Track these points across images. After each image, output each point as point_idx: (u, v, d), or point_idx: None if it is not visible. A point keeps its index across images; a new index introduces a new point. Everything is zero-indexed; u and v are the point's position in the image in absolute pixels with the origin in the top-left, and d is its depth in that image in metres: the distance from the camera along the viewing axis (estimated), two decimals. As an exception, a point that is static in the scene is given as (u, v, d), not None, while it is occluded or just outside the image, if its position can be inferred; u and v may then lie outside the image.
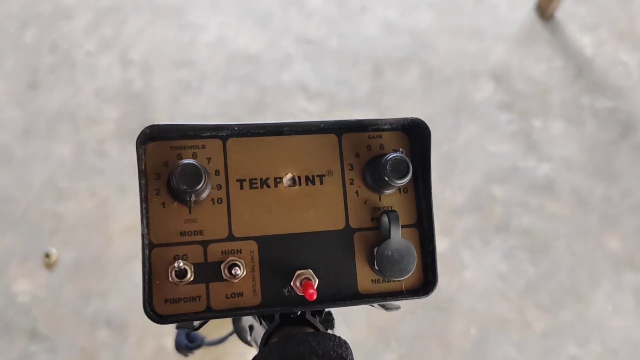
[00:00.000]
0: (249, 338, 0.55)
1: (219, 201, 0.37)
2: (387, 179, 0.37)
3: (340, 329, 0.48)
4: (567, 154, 1.49)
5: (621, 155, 1.50)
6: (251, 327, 0.51)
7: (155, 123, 0.36)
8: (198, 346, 1.06)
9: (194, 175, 0.34)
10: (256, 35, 1.62)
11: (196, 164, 0.34)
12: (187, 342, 1.03)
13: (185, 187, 0.34)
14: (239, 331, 0.65)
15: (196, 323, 0.41)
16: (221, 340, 0.98)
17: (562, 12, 1.65)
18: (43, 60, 1.53)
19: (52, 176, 1.40)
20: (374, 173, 0.38)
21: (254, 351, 0.44)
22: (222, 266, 0.36)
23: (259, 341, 0.43)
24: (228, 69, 1.57)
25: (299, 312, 0.40)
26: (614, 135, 1.52)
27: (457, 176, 1.45)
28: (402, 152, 0.37)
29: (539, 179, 1.46)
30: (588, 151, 1.50)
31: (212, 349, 1.20)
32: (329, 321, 0.46)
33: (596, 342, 1.31)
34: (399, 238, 0.37)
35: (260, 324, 0.44)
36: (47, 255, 1.31)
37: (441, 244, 1.38)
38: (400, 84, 1.57)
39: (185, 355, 1.07)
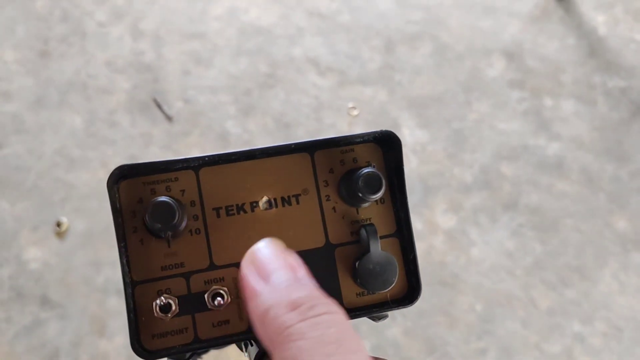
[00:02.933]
0: (243, 348, 0.56)
1: (197, 232, 0.37)
2: (360, 194, 0.36)
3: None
4: (578, 133, 1.49)
5: (632, 135, 1.49)
6: (245, 343, 0.52)
7: (124, 163, 0.36)
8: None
9: (167, 212, 0.34)
10: (268, 8, 1.61)
11: (168, 200, 0.34)
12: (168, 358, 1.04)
13: (159, 225, 0.34)
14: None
15: (187, 354, 0.41)
16: (204, 352, 0.99)
17: (577, -10, 1.64)
18: (54, 29, 1.53)
19: (64, 145, 1.40)
20: (349, 187, 0.38)
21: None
22: (205, 296, 0.36)
23: (252, 357, 0.43)
24: (239, 41, 1.56)
25: None
26: (626, 115, 1.51)
27: (467, 153, 1.45)
28: (374, 167, 0.37)
29: (549, 157, 1.46)
30: (599, 130, 1.49)
31: (213, 353, 1.22)
32: None
33: (601, 320, 1.32)
34: (379, 251, 0.37)
35: (251, 345, 0.44)
36: (58, 224, 1.33)
37: (449, 221, 1.39)
38: (411, 60, 1.56)
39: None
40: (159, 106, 1.46)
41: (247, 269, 0.28)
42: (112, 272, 1.30)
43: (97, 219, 1.34)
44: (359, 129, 1.47)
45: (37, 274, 1.29)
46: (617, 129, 1.50)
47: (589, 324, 1.31)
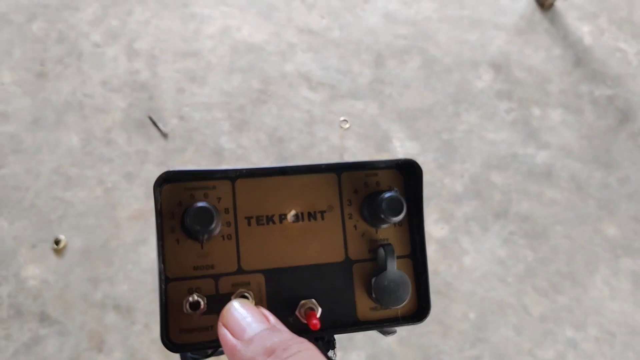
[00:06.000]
0: None
1: (229, 237, 0.39)
2: (383, 216, 0.39)
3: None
4: (566, 142, 1.51)
5: (619, 142, 1.52)
6: None
7: (171, 169, 0.38)
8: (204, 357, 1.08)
9: (207, 217, 0.36)
10: (260, 26, 1.64)
11: (209, 206, 0.36)
12: (191, 353, 1.06)
13: (198, 227, 0.36)
14: None
15: (209, 351, 0.43)
16: (223, 352, 1.00)
17: (562, 1, 1.67)
18: (50, 50, 1.56)
19: (61, 164, 1.43)
20: (371, 209, 0.40)
21: None
22: (232, 297, 0.38)
23: None
24: (232, 59, 1.59)
25: None
26: (613, 123, 1.54)
27: (457, 164, 1.47)
28: (397, 191, 0.39)
29: (538, 166, 1.48)
30: (587, 139, 1.52)
31: (218, 359, 1.23)
32: (330, 342, 0.49)
33: (593, 326, 1.33)
34: (395, 269, 0.39)
35: None
36: (56, 242, 1.35)
37: (441, 230, 1.41)
38: (401, 73, 1.59)
39: (191, 366, 1.09)
40: (155, 124, 1.49)
41: (222, 330, 0.30)
42: (110, 288, 1.32)
43: (94, 236, 1.36)
44: (350, 142, 1.49)
45: (35, 291, 1.31)
46: (604, 136, 1.53)
47: (582, 329, 1.33)
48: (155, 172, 1.44)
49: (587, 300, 1.35)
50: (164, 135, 1.48)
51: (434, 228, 1.40)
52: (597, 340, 1.32)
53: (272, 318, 0.30)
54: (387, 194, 0.39)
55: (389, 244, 0.40)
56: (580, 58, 1.63)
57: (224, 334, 0.30)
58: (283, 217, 0.40)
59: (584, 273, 1.38)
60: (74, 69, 1.55)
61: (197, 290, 0.38)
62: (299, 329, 0.39)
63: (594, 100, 1.57)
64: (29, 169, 1.42)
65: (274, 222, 0.40)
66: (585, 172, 1.48)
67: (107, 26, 1.61)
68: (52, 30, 1.59)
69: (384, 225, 0.41)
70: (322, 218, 0.41)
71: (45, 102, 1.50)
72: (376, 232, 0.41)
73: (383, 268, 0.40)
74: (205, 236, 0.38)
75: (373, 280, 0.40)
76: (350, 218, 0.41)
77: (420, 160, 1.48)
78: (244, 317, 0.30)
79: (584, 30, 1.67)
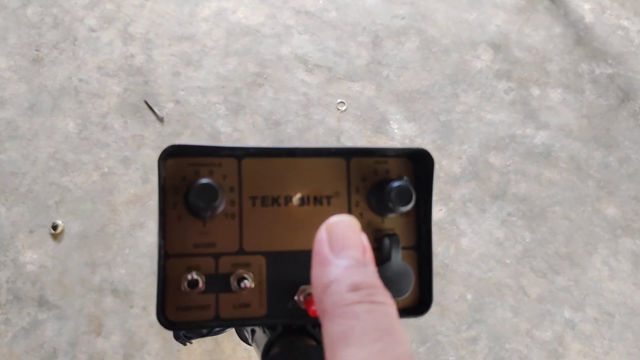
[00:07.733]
0: (247, 336, 0.57)
1: (232, 216, 0.38)
2: (391, 205, 0.38)
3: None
4: (566, 122, 1.49)
5: (620, 122, 1.50)
6: (253, 331, 0.53)
7: (177, 143, 0.37)
8: (198, 337, 1.09)
9: (211, 194, 0.36)
10: (255, 8, 1.62)
11: (213, 183, 0.36)
12: (186, 331, 1.06)
13: (201, 204, 0.36)
14: (239, 330, 0.68)
15: (204, 330, 0.42)
16: (218, 332, 1.01)
17: (563, -21, 1.64)
18: (45, 36, 1.56)
19: (57, 150, 1.43)
20: (379, 197, 0.39)
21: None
22: (231, 278, 0.38)
23: (259, 345, 0.44)
24: (227, 42, 1.58)
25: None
26: (614, 102, 1.52)
27: (455, 145, 1.46)
28: (407, 180, 0.39)
29: (537, 146, 1.46)
30: (587, 118, 1.50)
31: (209, 338, 1.24)
32: None
33: (592, 306, 1.33)
34: (399, 260, 0.39)
35: (264, 332, 0.46)
36: (54, 227, 1.35)
37: (439, 212, 1.40)
38: (398, 54, 1.57)
39: (184, 344, 1.10)
40: (150, 108, 1.49)
41: (324, 236, 0.29)
42: (108, 273, 1.32)
43: (91, 221, 1.37)
44: (347, 124, 1.48)
45: (34, 276, 1.32)
46: (605, 116, 1.51)
47: (580, 310, 1.32)
48: (152, 157, 1.44)
49: (585, 281, 1.35)
50: (160, 119, 1.48)
51: (431, 210, 1.39)
52: (595, 321, 1.32)
53: (369, 254, 0.29)
54: (396, 182, 0.38)
55: (395, 234, 0.40)
56: (581, 36, 1.60)
57: (322, 240, 0.29)
58: (288, 199, 0.39)
59: (583, 254, 1.37)
60: (69, 54, 1.54)
61: (197, 268, 0.37)
62: (298, 314, 0.38)
63: (594, 79, 1.54)
64: (25, 154, 1.42)
65: (279, 204, 0.39)
66: (585, 152, 1.46)
67: (101, 10, 1.60)
68: (47, 15, 1.59)
69: (391, 215, 0.40)
70: (328, 203, 0.40)
71: (40, 88, 1.50)
72: (382, 222, 0.40)
73: (387, 258, 0.39)
74: (208, 214, 0.37)
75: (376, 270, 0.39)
76: (356, 205, 0.40)
77: (417, 142, 1.47)
78: (348, 236, 0.29)
79: (585, 8, 1.64)
